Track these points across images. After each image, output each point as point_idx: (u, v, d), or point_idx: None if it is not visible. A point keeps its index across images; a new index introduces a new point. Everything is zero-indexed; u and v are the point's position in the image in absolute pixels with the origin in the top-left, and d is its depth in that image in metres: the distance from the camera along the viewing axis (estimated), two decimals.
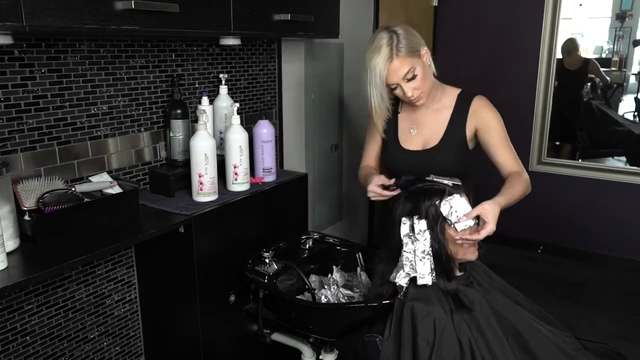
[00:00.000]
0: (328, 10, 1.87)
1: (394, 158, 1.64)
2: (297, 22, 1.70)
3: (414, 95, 1.49)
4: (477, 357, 1.19)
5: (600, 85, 3.49)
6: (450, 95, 1.60)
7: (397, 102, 1.62)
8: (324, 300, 1.56)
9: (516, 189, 1.49)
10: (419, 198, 1.31)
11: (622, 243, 3.26)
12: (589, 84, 3.48)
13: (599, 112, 3.55)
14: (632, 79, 3.43)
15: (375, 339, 1.31)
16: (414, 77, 1.46)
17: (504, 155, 1.54)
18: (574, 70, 3.43)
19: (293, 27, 1.70)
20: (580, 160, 3.50)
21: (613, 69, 3.45)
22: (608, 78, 3.47)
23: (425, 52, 1.50)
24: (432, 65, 1.54)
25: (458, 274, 1.36)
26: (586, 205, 3.34)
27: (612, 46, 3.44)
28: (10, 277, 1.07)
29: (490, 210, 1.34)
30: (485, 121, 1.55)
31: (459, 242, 1.30)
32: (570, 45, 3.39)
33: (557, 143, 3.53)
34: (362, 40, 2.76)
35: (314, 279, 1.65)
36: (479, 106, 1.56)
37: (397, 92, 1.50)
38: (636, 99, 3.47)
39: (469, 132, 1.56)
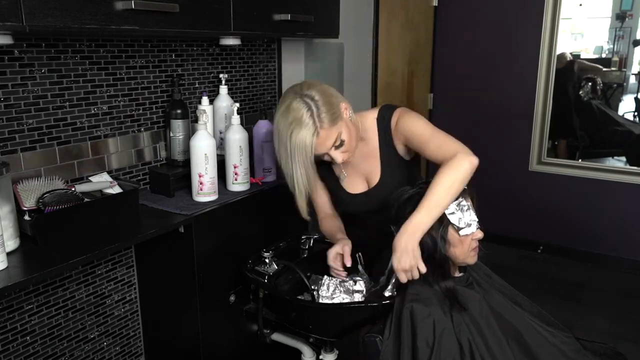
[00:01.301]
0: (328, 10, 1.87)
1: (345, 203, 1.56)
2: (297, 22, 1.70)
3: (344, 158, 1.39)
4: (477, 358, 1.19)
5: (600, 86, 3.49)
6: (370, 124, 1.48)
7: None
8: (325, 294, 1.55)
9: (437, 187, 1.27)
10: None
11: (622, 243, 3.26)
12: (590, 83, 3.48)
13: (599, 112, 3.55)
14: (632, 79, 3.43)
15: (375, 339, 1.31)
16: (342, 144, 1.36)
17: (430, 150, 1.37)
18: (559, 69, 3.43)
19: (293, 27, 1.70)
20: (580, 160, 3.50)
21: (613, 69, 3.45)
22: (600, 82, 3.47)
23: (345, 108, 1.39)
24: (353, 115, 1.43)
25: (457, 274, 1.36)
26: (586, 205, 3.34)
27: (612, 46, 3.44)
28: (10, 277, 1.07)
29: (396, 245, 1.27)
30: (407, 132, 1.42)
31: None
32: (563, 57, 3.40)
33: (556, 142, 3.53)
34: (362, 40, 2.78)
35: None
36: (395, 123, 1.45)
37: (326, 158, 1.40)
38: (636, 99, 3.46)
39: (400, 149, 1.47)
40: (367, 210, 1.53)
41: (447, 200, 1.26)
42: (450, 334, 1.20)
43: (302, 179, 1.37)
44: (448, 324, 1.21)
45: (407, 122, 1.42)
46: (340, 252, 1.50)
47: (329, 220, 1.61)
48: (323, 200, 1.62)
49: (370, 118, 1.49)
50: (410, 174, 1.49)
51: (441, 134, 1.37)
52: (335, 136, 1.34)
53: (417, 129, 1.40)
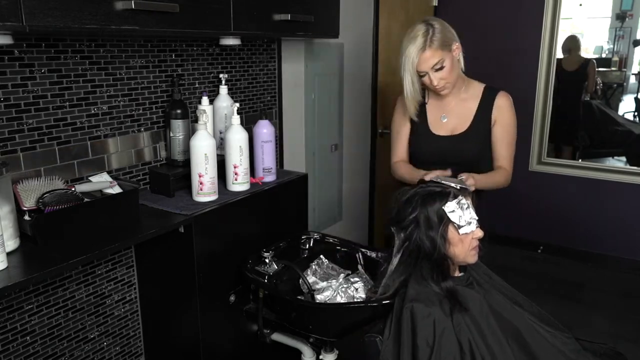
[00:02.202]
0: (328, 10, 1.87)
1: (424, 143, 1.78)
2: (297, 22, 1.69)
3: (440, 84, 1.63)
4: (477, 358, 1.19)
5: (599, 87, 3.49)
6: (476, 88, 1.77)
7: (424, 93, 1.76)
8: (322, 295, 1.56)
9: (496, 177, 1.70)
10: (425, 200, 1.30)
11: (622, 243, 3.26)
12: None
13: (599, 112, 3.55)
14: (632, 79, 3.43)
15: (375, 339, 1.31)
16: (441, 68, 1.60)
17: (503, 150, 1.74)
18: (572, 71, 3.43)
19: (293, 27, 1.70)
20: (580, 160, 3.50)
21: (613, 69, 3.45)
22: (600, 82, 3.47)
23: (457, 47, 1.65)
24: (462, 61, 1.69)
25: (458, 274, 1.36)
26: (586, 205, 3.34)
27: (612, 46, 3.44)
28: (10, 277, 1.07)
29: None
30: (504, 117, 1.73)
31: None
32: (571, 44, 3.38)
33: (555, 144, 3.53)
34: (363, 41, 2.78)
35: (312, 279, 1.65)
36: (502, 102, 1.73)
37: (425, 79, 1.63)
38: (636, 99, 3.47)
39: (492, 123, 1.73)
40: (439, 154, 1.73)
41: (489, 185, 1.66)
42: (451, 334, 1.20)
43: (409, 86, 1.64)
44: (448, 324, 1.21)
45: (510, 112, 1.74)
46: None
47: (403, 165, 1.82)
48: (402, 145, 1.84)
49: (479, 85, 1.78)
50: (486, 146, 1.75)
51: (514, 144, 1.76)
52: (438, 59, 1.59)
53: (510, 122, 1.74)
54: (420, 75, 1.63)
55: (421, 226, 1.29)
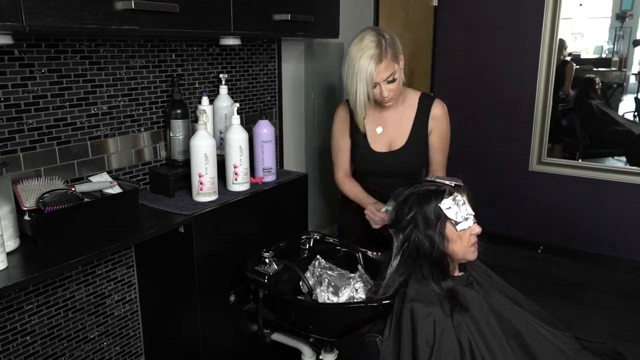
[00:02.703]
0: (328, 10, 1.87)
1: (364, 159, 1.81)
2: (297, 22, 1.69)
3: (389, 96, 1.65)
4: (477, 357, 1.19)
5: (599, 86, 3.48)
6: (412, 97, 1.78)
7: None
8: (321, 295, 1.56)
9: None
10: (421, 199, 1.31)
11: (622, 243, 3.26)
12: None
13: (599, 112, 3.55)
14: (632, 79, 3.43)
15: (375, 339, 1.31)
16: (393, 80, 1.63)
17: (438, 157, 1.79)
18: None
19: (293, 27, 1.70)
20: (580, 160, 3.50)
21: (613, 69, 3.45)
22: (599, 82, 3.46)
23: (402, 59, 1.67)
24: (403, 73, 1.70)
25: (457, 274, 1.36)
26: (586, 205, 3.34)
27: (612, 46, 3.44)
28: (10, 277, 1.07)
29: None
30: (440, 127, 1.77)
31: None
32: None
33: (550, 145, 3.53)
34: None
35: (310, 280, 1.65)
36: (438, 112, 1.76)
37: (375, 90, 1.64)
38: (636, 99, 3.46)
39: (429, 131, 1.76)
40: (383, 169, 1.78)
41: None
42: (451, 334, 1.20)
43: (362, 96, 1.62)
44: (448, 324, 1.21)
45: (445, 120, 1.77)
46: (376, 207, 1.69)
47: (349, 183, 1.85)
48: (345, 159, 1.85)
49: (413, 94, 1.79)
50: (425, 155, 1.79)
51: (446, 149, 1.80)
52: (392, 70, 1.61)
53: (444, 130, 1.78)
54: (373, 86, 1.63)
55: (419, 226, 1.29)
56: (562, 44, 3.36)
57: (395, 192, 1.39)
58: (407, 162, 1.76)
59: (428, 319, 1.21)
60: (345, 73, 1.64)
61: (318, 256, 1.68)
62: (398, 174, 1.75)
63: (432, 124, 1.75)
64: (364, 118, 1.72)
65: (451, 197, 1.28)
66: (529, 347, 1.25)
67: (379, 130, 1.77)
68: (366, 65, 1.57)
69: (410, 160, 1.77)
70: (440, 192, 1.29)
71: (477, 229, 1.31)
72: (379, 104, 1.71)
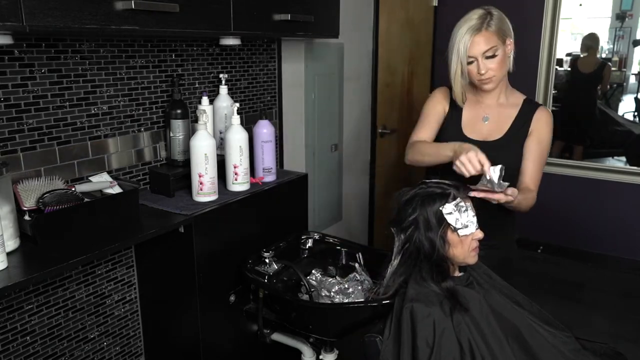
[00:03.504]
0: (328, 10, 1.87)
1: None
2: (297, 22, 1.69)
3: (487, 75, 1.49)
4: (477, 357, 1.19)
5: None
6: (517, 97, 1.62)
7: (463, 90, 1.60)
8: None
9: (529, 201, 1.52)
10: (424, 201, 1.30)
11: (622, 243, 3.26)
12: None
13: (599, 112, 3.55)
14: (632, 79, 3.43)
15: (375, 339, 1.31)
16: (493, 57, 1.47)
17: (534, 167, 1.56)
18: (588, 73, 3.42)
19: (293, 27, 1.70)
20: (580, 160, 3.50)
21: (613, 69, 3.45)
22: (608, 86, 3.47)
23: (510, 43, 1.50)
24: (511, 61, 1.54)
25: (458, 274, 1.36)
26: (586, 205, 3.34)
27: (612, 46, 3.44)
28: (10, 277, 1.07)
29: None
30: (541, 131, 1.57)
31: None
32: (591, 42, 3.35)
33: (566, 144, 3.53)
34: (363, 41, 2.78)
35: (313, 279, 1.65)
36: (543, 116, 1.58)
37: (471, 67, 1.49)
38: (636, 99, 3.47)
39: (529, 132, 1.57)
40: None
41: (519, 206, 1.48)
42: (451, 334, 1.20)
43: (456, 70, 1.50)
44: (448, 324, 1.21)
45: (547, 128, 1.57)
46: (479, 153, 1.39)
47: (427, 143, 1.62)
48: (428, 130, 1.65)
49: (519, 95, 1.63)
50: (520, 155, 1.57)
51: (543, 164, 1.58)
52: (492, 44, 1.45)
53: (545, 139, 1.57)
54: (469, 61, 1.48)
55: (420, 228, 1.29)
56: (596, 41, 3.34)
57: (399, 191, 1.38)
58: (500, 158, 1.41)
59: (428, 319, 1.21)
60: (449, 44, 1.52)
61: (313, 271, 1.66)
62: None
63: (534, 125, 1.56)
64: (463, 100, 1.59)
65: (454, 202, 1.28)
66: (529, 347, 1.25)
67: (485, 120, 1.60)
68: (462, 35, 1.45)
69: (504, 157, 1.45)
70: (445, 196, 1.29)
71: (479, 235, 1.30)
72: (476, 87, 1.57)
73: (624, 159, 3.46)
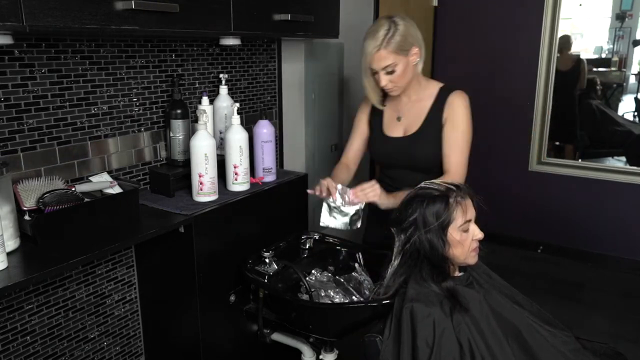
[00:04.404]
0: (328, 10, 1.87)
1: (378, 146, 1.74)
2: (297, 22, 1.70)
3: (387, 86, 1.59)
4: (477, 357, 1.19)
5: (599, 87, 3.49)
6: (432, 88, 1.68)
7: (384, 96, 1.71)
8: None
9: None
10: (424, 202, 1.30)
11: (622, 243, 3.26)
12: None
13: (599, 112, 3.55)
14: (632, 79, 3.43)
15: (375, 339, 1.31)
16: (392, 72, 1.56)
17: (452, 153, 1.63)
18: (566, 71, 3.43)
19: (293, 27, 1.70)
20: (580, 160, 3.50)
21: (613, 69, 3.45)
22: (599, 82, 3.47)
23: (416, 52, 1.58)
24: (419, 65, 1.62)
25: (458, 274, 1.36)
26: (586, 205, 3.34)
27: (612, 46, 3.44)
28: (11, 277, 1.07)
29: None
30: (455, 116, 1.63)
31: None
32: (563, 44, 3.38)
33: (557, 143, 3.53)
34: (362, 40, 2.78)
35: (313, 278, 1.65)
36: (455, 100, 1.64)
37: (376, 77, 1.59)
38: (636, 99, 3.46)
39: (444, 120, 1.64)
40: (393, 155, 1.70)
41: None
42: (450, 334, 1.20)
43: (366, 79, 1.62)
44: (448, 324, 1.21)
45: (461, 111, 1.63)
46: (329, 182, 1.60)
47: (343, 168, 1.78)
48: (354, 148, 1.81)
49: (435, 85, 1.69)
50: (439, 144, 1.64)
51: (466, 152, 1.64)
52: (390, 61, 1.53)
53: (460, 123, 1.63)
54: (372, 73, 1.59)
55: (420, 228, 1.29)
56: (567, 40, 3.36)
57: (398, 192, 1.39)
58: (418, 150, 1.64)
59: (428, 319, 1.21)
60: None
61: (313, 271, 1.66)
62: (412, 166, 1.67)
63: (447, 112, 1.62)
64: (381, 103, 1.69)
65: (454, 202, 1.28)
66: (529, 347, 1.25)
67: (399, 119, 1.69)
68: (366, 48, 1.55)
69: (421, 149, 1.63)
70: (444, 197, 1.29)
71: (479, 235, 1.30)
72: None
73: (624, 159, 3.46)
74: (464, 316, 1.23)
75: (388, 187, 1.65)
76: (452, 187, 1.31)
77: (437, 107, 1.64)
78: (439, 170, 1.65)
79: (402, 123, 1.69)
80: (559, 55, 3.31)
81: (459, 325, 1.21)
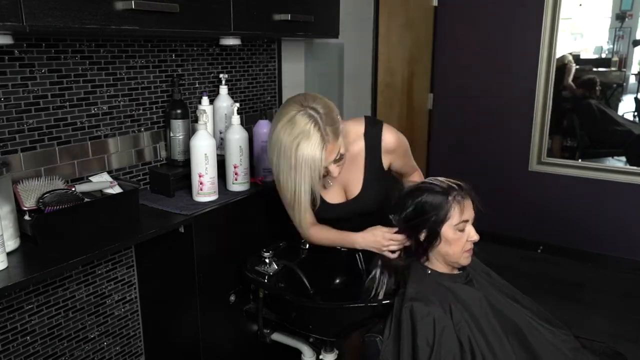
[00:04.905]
0: (328, 10, 1.87)
1: (323, 212, 1.54)
2: (297, 22, 1.70)
3: (339, 172, 1.41)
4: (477, 355, 1.19)
5: (599, 88, 3.49)
6: (356, 135, 1.49)
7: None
8: None
9: None
10: (424, 195, 1.32)
11: (622, 243, 3.26)
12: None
13: (599, 112, 3.55)
14: (632, 79, 3.43)
15: (375, 339, 1.31)
16: (341, 158, 1.37)
17: (408, 167, 1.61)
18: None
19: (293, 27, 1.70)
20: (580, 160, 3.50)
21: (613, 69, 3.45)
22: (598, 81, 3.49)
23: (340, 125, 1.35)
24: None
25: (456, 272, 1.36)
26: (586, 205, 3.33)
27: (612, 46, 3.44)
28: (11, 277, 1.07)
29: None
30: (396, 154, 1.53)
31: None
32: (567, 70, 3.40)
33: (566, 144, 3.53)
34: (363, 41, 2.78)
35: None
36: (390, 141, 1.49)
37: (323, 173, 1.37)
38: (636, 99, 3.46)
39: (385, 163, 1.52)
40: (345, 217, 1.55)
41: None
42: (451, 332, 1.20)
43: (305, 194, 1.34)
44: (448, 322, 1.21)
45: (397, 145, 1.51)
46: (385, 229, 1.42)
47: (319, 229, 1.55)
48: (308, 210, 1.51)
49: (356, 130, 1.49)
50: (388, 185, 1.52)
51: (410, 160, 1.60)
52: (337, 150, 1.35)
53: (402, 151, 1.55)
54: (323, 175, 1.37)
55: (419, 216, 1.31)
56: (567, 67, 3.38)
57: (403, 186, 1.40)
58: (368, 208, 1.51)
59: (427, 318, 1.21)
60: (274, 163, 1.35)
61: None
62: (364, 215, 1.52)
63: (389, 158, 1.51)
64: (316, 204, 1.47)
65: (453, 200, 1.29)
66: (529, 344, 1.25)
67: (328, 185, 1.52)
68: (310, 156, 1.28)
69: (372, 206, 1.50)
70: (445, 193, 1.29)
71: (475, 237, 1.31)
72: None
73: (624, 159, 3.46)
74: (463, 313, 1.23)
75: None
76: (454, 185, 1.32)
77: (372, 154, 1.49)
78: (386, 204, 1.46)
79: (338, 185, 1.53)
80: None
81: (458, 324, 1.22)
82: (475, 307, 1.26)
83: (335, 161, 1.36)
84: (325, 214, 1.55)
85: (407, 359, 1.21)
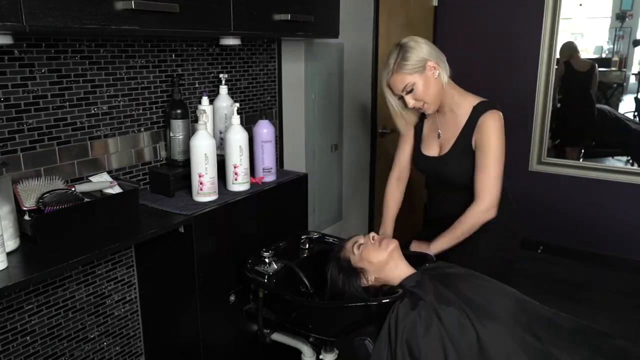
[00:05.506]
0: (328, 10, 1.87)
1: (417, 162, 1.79)
2: (297, 22, 1.70)
3: (416, 105, 1.61)
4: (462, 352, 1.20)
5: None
6: (466, 106, 1.65)
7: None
8: None
9: (458, 231, 1.61)
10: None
11: (622, 243, 3.26)
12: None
13: (599, 112, 3.55)
14: (632, 79, 3.43)
15: (364, 341, 1.31)
16: (412, 91, 1.58)
17: (481, 181, 1.59)
18: (584, 72, 3.44)
19: (293, 27, 1.70)
20: (580, 160, 3.50)
21: (613, 69, 3.45)
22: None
23: (432, 65, 1.57)
24: (443, 77, 1.60)
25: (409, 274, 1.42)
26: (586, 205, 3.34)
27: (612, 46, 3.44)
28: (10, 277, 1.07)
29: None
30: (483, 141, 1.59)
31: None
32: (571, 50, 3.39)
33: (568, 148, 3.53)
34: (363, 41, 2.78)
35: None
36: (484, 122, 1.60)
37: (403, 100, 1.62)
38: (636, 99, 3.47)
39: (474, 144, 1.63)
40: (431, 175, 1.78)
41: (452, 243, 1.61)
42: (434, 335, 1.21)
43: (390, 106, 1.67)
44: (433, 324, 1.22)
45: (491, 134, 1.58)
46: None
47: (394, 191, 1.89)
48: (405, 155, 1.84)
49: (470, 102, 1.66)
50: (470, 169, 1.62)
51: (496, 171, 1.58)
52: (405, 83, 1.57)
53: (489, 146, 1.58)
54: (397, 97, 1.63)
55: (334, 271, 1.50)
56: (571, 46, 3.37)
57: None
58: (448, 172, 1.67)
59: (411, 320, 1.21)
60: None
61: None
62: (449, 185, 1.69)
63: (476, 136, 1.60)
64: (406, 131, 1.76)
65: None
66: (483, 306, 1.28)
67: (439, 135, 1.71)
68: (382, 79, 1.62)
69: (453, 170, 1.65)
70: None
71: (356, 238, 1.51)
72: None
73: (624, 158, 3.46)
74: (436, 323, 1.25)
75: (433, 211, 1.80)
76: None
77: (468, 128, 1.63)
78: (458, 194, 1.68)
79: (440, 140, 1.71)
80: (571, 59, 3.32)
81: (434, 331, 1.22)
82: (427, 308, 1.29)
83: (408, 92, 1.58)
84: (417, 163, 1.78)
85: None
